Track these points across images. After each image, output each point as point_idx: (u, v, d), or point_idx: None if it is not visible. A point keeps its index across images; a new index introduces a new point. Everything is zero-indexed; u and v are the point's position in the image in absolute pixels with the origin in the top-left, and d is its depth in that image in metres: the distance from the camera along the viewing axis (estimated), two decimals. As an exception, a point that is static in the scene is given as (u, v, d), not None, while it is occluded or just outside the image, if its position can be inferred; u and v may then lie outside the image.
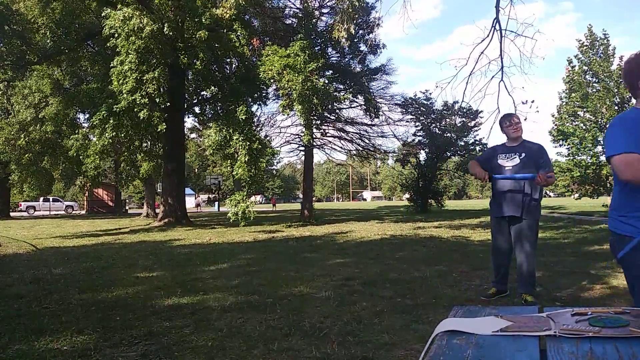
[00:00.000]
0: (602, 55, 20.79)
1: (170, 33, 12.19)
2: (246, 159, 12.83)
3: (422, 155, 23.57)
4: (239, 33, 13.14)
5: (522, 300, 4.00)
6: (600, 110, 20.28)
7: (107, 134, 12.47)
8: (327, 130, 20.28)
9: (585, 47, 21.05)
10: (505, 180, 4.13)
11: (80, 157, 14.27)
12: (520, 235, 4.11)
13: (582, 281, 4.99)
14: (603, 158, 20.56)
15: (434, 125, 22.33)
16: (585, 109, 20.66)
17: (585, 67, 21.11)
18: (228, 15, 11.39)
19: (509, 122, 4.21)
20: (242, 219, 12.82)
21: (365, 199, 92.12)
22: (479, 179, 4.28)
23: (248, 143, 12.91)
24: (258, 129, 18.25)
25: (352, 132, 20.70)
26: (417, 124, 22.16)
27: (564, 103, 21.85)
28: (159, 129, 12.71)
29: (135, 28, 11.44)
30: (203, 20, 12.35)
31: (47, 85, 17.74)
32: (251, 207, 12.99)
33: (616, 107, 19.90)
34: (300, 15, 16.45)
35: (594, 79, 20.88)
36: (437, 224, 14.48)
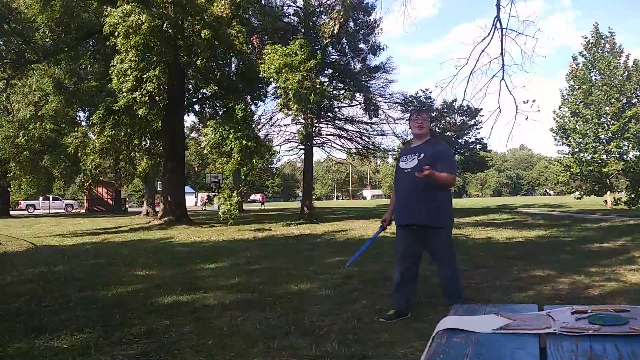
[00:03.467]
0: (608, 51, 20.74)
1: (170, 30, 12.18)
2: (239, 157, 12.84)
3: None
4: (237, 31, 13.13)
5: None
6: (604, 108, 20.23)
7: (106, 132, 12.47)
8: (327, 129, 20.24)
9: (590, 45, 21.01)
10: (402, 183, 3.74)
11: (80, 154, 14.26)
12: (431, 249, 3.77)
13: (582, 279, 4.99)
14: (604, 156, 20.53)
15: (433, 124, 22.29)
16: (588, 106, 20.60)
17: (589, 65, 21.07)
18: (226, 14, 11.42)
19: (415, 116, 3.83)
20: (229, 217, 12.88)
21: (365, 197, 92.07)
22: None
23: (243, 141, 12.92)
24: (258, 127, 18.23)
25: (352, 131, 20.68)
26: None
27: (567, 100, 21.80)
28: (154, 127, 12.72)
29: (134, 24, 11.43)
30: (205, 17, 12.32)
31: (49, 84, 17.73)
32: (235, 206, 13.07)
33: (621, 105, 19.83)
34: (301, 14, 16.41)
35: (599, 77, 20.82)
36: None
